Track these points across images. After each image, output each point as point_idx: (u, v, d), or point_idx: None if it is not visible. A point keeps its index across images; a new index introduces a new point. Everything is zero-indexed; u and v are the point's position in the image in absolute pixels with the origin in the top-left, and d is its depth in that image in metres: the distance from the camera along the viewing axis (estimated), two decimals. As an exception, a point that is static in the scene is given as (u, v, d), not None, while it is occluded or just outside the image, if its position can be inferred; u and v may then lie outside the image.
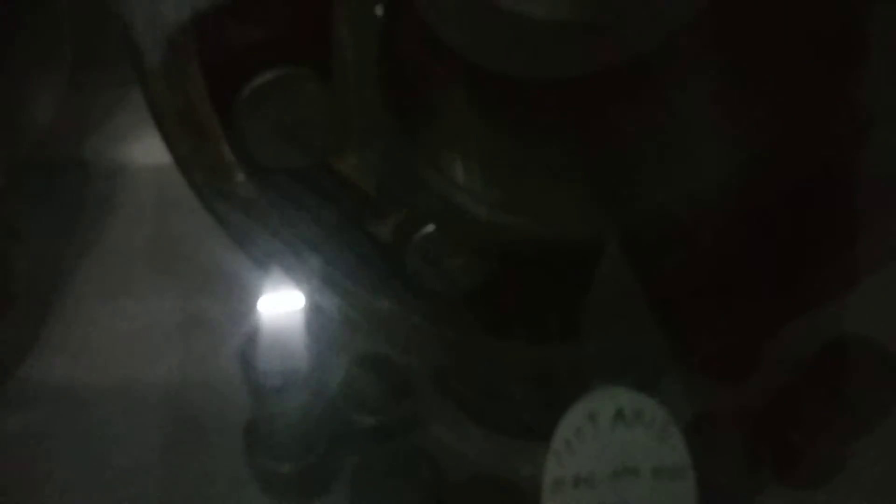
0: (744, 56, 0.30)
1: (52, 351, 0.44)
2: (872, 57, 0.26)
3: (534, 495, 0.30)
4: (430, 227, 0.30)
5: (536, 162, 0.31)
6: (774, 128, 0.29)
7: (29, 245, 0.47)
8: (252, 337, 0.41)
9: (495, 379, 0.37)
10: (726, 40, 0.30)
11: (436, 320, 0.32)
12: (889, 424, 0.39)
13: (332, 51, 0.24)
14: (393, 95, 0.26)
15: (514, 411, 0.39)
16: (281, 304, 0.41)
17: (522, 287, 0.32)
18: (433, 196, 0.29)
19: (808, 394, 0.39)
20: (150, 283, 0.48)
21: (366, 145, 0.27)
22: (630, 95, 0.31)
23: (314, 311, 0.35)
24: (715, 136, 0.31)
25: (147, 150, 0.52)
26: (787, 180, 0.31)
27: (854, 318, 0.40)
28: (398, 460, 0.36)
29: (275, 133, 0.25)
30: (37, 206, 0.51)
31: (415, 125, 0.28)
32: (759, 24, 0.30)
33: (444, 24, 0.31)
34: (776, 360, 0.40)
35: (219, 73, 0.25)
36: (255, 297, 0.43)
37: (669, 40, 0.32)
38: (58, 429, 0.40)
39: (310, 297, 0.33)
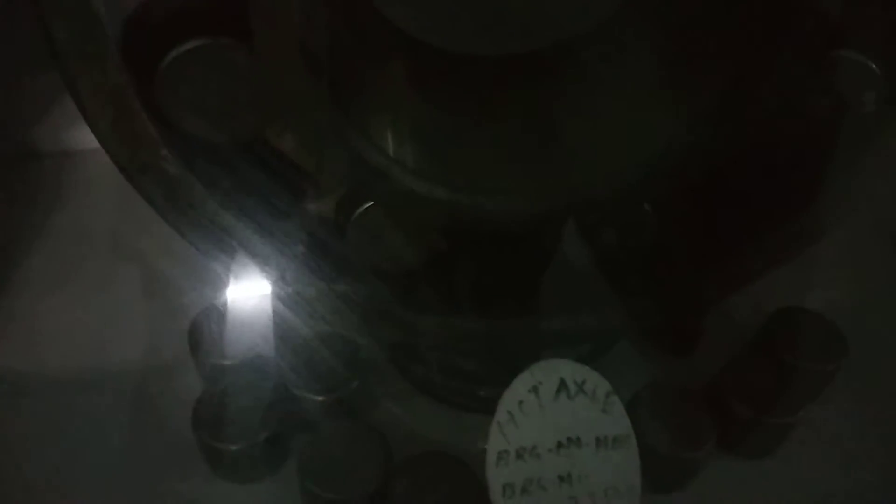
0: (672, 37, 0.30)
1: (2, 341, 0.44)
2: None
3: (483, 469, 0.31)
4: (369, 204, 0.30)
5: (473, 137, 0.31)
6: (702, 104, 0.29)
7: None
8: (202, 316, 0.41)
9: (446, 354, 0.38)
10: (654, 22, 0.30)
11: (385, 298, 0.32)
12: (831, 393, 0.40)
13: (254, 21, 0.24)
14: (323, 69, 0.25)
15: (468, 386, 0.39)
16: (232, 286, 0.41)
17: (467, 264, 0.32)
18: (371, 172, 0.29)
19: (752, 365, 0.39)
20: (104, 268, 0.48)
21: (298, 122, 0.26)
22: (562, 73, 0.31)
23: (265, 292, 0.34)
24: (647, 113, 0.31)
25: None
26: (720, 159, 0.31)
27: (794, 290, 0.41)
28: (348, 438, 0.36)
29: (197, 105, 0.25)
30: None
31: (349, 100, 0.28)
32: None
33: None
34: (721, 333, 0.41)
35: (138, 45, 0.24)
36: (209, 279, 0.43)
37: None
38: (10, 417, 0.40)
39: (259, 278, 0.32)
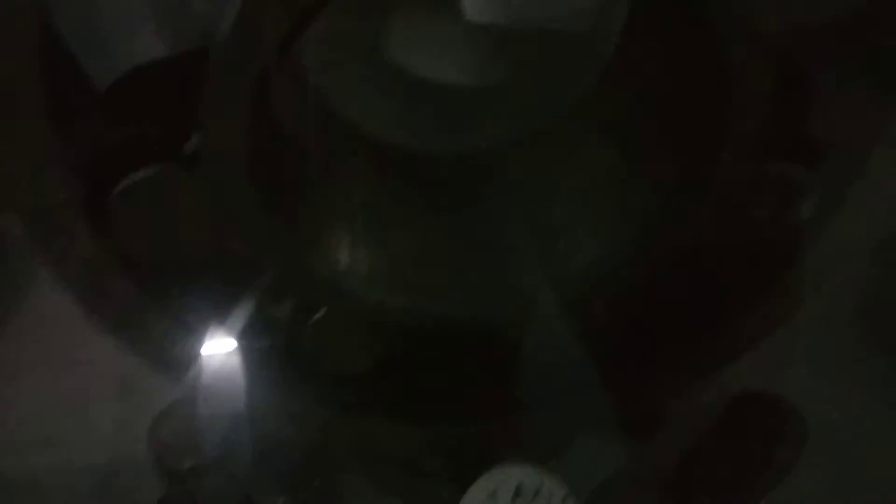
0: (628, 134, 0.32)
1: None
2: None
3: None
4: (322, 312, 0.30)
5: (419, 245, 0.32)
6: (652, 208, 0.30)
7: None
8: (163, 415, 0.41)
9: (404, 457, 0.37)
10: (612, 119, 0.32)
11: (340, 404, 0.32)
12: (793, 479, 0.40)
13: (201, 148, 0.24)
14: (268, 188, 0.26)
15: (433, 486, 0.39)
16: (188, 391, 0.41)
17: (419, 367, 0.32)
18: (322, 282, 0.29)
19: (714, 453, 0.39)
20: (69, 360, 0.47)
21: (248, 238, 0.27)
22: (511, 172, 0.32)
23: (222, 397, 0.34)
24: (599, 213, 0.32)
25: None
26: (677, 254, 0.31)
27: (755, 373, 0.41)
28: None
29: (148, 230, 0.25)
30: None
31: (294, 216, 0.28)
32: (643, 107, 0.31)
33: (342, 95, 0.32)
34: (683, 420, 0.41)
35: (88, 174, 0.24)
36: (174, 376, 0.43)
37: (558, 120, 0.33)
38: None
39: (217, 384, 0.32)
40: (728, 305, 0.33)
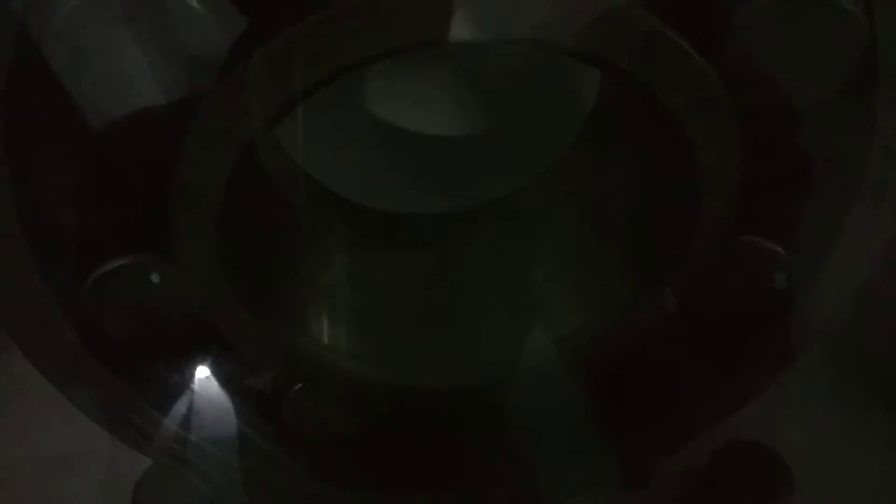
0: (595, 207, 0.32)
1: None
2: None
3: None
4: (299, 385, 0.30)
5: (397, 315, 0.32)
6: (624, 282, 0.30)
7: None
8: (144, 480, 0.40)
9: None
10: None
11: (317, 475, 0.32)
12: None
13: (173, 237, 0.24)
14: (240, 273, 0.26)
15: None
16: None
17: (402, 434, 0.32)
18: (302, 356, 0.29)
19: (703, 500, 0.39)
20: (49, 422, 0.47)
21: (221, 320, 0.27)
22: (488, 236, 0.32)
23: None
24: (577, 279, 0.32)
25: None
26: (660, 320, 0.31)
27: (741, 424, 0.41)
28: None
29: (124, 315, 0.25)
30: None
31: (272, 293, 0.28)
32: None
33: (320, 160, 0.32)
34: (672, 472, 0.41)
35: (62, 263, 0.24)
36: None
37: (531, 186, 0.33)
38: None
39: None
40: (717, 367, 0.33)
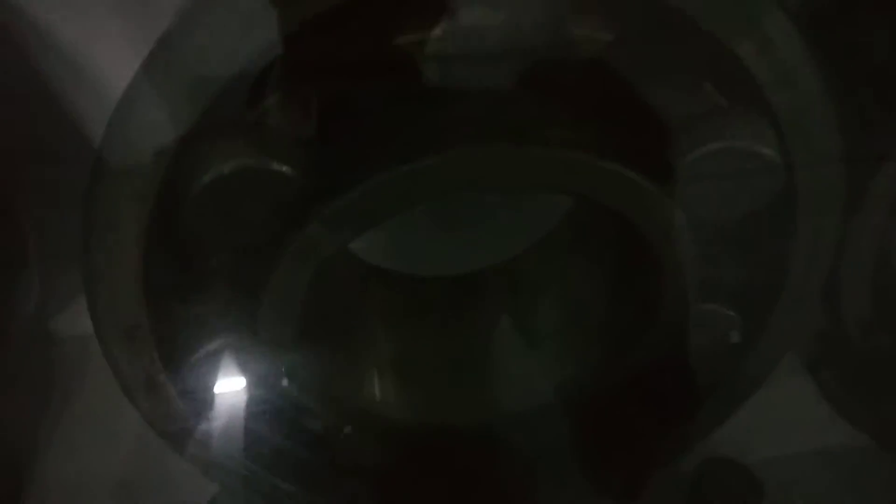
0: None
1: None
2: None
3: None
4: (349, 429, 0.37)
5: (429, 367, 0.39)
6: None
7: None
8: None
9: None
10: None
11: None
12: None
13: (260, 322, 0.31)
14: (313, 350, 0.33)
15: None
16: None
17: (430, 466, 0.39)
18: (351, 405, 0.36)
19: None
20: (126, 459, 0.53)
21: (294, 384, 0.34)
22: (500, 294, 0.40)
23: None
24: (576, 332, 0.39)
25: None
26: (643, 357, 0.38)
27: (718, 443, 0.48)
28: None
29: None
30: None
31: (332, 356, 0.36)
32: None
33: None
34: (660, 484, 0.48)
35: (171, 349, 0.32)
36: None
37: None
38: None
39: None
40: (693, 396, 0.40)
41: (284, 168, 0.26)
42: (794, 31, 0.27)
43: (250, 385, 0.33)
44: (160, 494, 0.49)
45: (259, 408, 0.35)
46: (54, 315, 0.59)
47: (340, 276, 0.40)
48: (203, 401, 0.33)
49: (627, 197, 0.28)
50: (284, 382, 0.34)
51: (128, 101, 0.27)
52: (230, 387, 0.33)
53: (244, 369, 0.33)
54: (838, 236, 0.34)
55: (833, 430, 0.54)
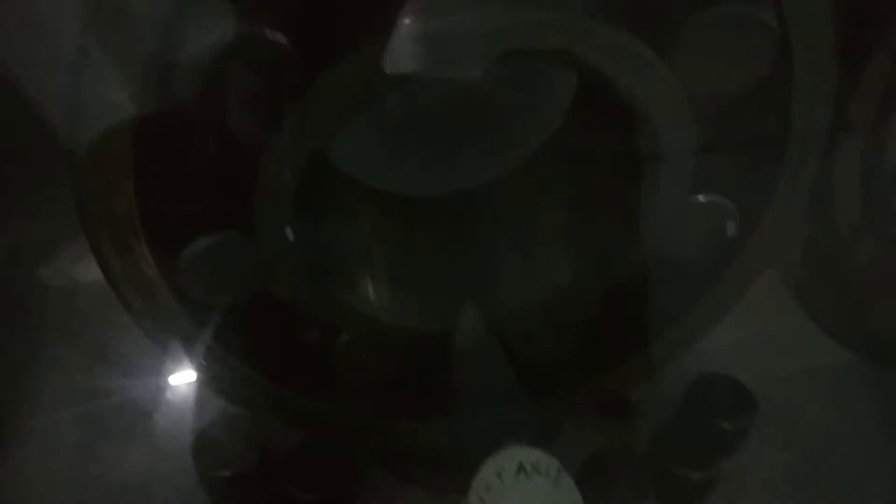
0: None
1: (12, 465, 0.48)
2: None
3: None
4: (346, 337, 0.37)
5: (426, 273, 0.38)
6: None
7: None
8: (201, 435, 0.46)
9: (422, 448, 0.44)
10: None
11: (363, 410, 0.39)
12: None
13: (255, 216, 0.30)
14: (308, 244, 0.32)
15: (449, 473, 0.46)
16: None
17: (423, 375, 0.39)
18: (349, 312, 0.36)
19: (679, 428, 0.47)
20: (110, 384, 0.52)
21: (286, 282, 0.33)
22: (486, 214, 0.39)
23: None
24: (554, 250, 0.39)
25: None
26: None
27: (712, 359, 0.48)
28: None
29: (210, 284, 0.32)
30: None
31: (327, 260, 0.35)
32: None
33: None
34: (651, 402, 0.48)
35: (161, 243, 0.31)
36: (199, 399, 0.49)
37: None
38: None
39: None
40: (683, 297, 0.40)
41: (279, 37, 0.26)
42: None
43: (243, 286, 0.32)
44: (145, 444, 0.48)
45: (255, 311, 0.34)
46: (41, 263, 0.59)
47: (332, 192, 0.40)
48: (196, 300, 0.32)
49: (628, 66, 0.28)
50: (279, 286, 0.33)
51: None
52: (223, 288, 0.32)
53: (237, 270, 0.32)
54: (831, 128, 0.34)
55: (819, 349, 0.55)
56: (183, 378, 0.50)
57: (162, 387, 0.51)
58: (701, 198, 0.34)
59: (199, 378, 0.37)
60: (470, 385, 0.40)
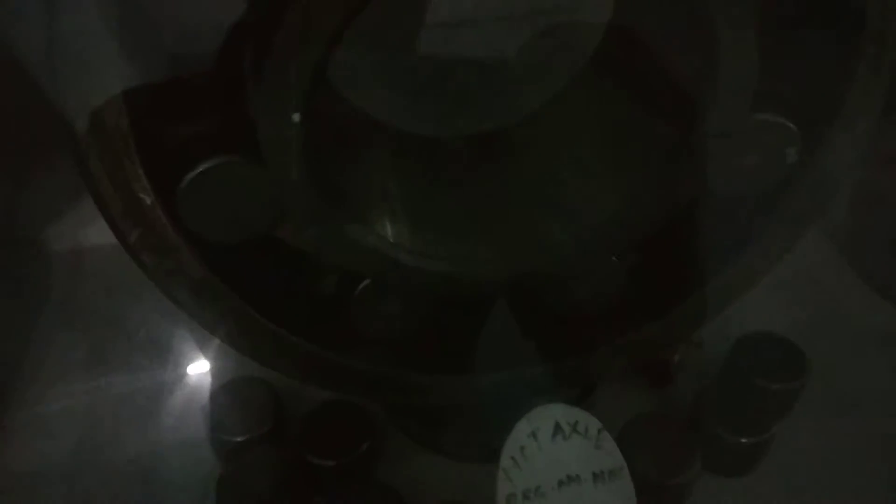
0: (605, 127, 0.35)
1: (14, 427, 0.46)
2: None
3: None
4: (367, 281, 0.33)
5: (449, 215, 0.35)
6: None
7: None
8: (218, 393, 0.44)
9: (442, 411, 0.41)
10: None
11: (378, 363, 0.35)
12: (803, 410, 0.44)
13: (261, 140, 0.27)
14: (321, 173, 0.29)
15: (475, 438, 0.43)
16: (236, 367, 0.44)
17: (448, 326, 0.36)
18: (367, 252, 0.32)
19: (724, 389, 0.43)
20: (119, 355, 0.50)
21: (300, 218, 0.30)
22: (518, 156, 0.36)
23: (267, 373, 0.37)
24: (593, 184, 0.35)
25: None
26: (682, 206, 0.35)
27: (755, 316, 0.44)
28: (361, 498, 0.39)
29: (214, 214, 0.28)
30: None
31: (343, 194, 0.32)
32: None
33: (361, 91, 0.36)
34: (694, 364, 0.45)
35: (159, 167, 0.27)
36: (212, 365, 0.47)
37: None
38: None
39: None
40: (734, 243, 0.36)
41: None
42: None
43: (249, 220, 0.29)
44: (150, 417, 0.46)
45: (265, 255, 0.31)
46: (45, 227, 0.57)
47: (345, 124, 0.36)
48: (195, 230, 0.29)
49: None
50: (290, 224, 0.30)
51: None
52: (227, 221, 0.29)
53: (242, 200, 0.29)
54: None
55: (874, 313, 0.51)
56: (194, 350, 0.48)
57: (171, 359, 0.49)
58: (760, 117, 0.30)
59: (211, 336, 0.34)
60: (497, 339, 0.37)
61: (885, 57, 0.29)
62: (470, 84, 0.42)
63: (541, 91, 0.39)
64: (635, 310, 0.38)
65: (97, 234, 0.53)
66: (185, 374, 0.48)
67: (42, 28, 0.24)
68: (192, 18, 0.27)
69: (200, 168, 0.28)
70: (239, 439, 0.42)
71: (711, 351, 0.45)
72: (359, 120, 0.37)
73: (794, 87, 0.31)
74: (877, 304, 0.52)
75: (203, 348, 0.47)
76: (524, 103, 0.39)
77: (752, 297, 0.38)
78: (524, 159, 0.38)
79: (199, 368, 0.47)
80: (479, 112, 0.40)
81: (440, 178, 0.37)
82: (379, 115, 0.38)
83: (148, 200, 0.27)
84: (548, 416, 0.34)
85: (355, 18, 0.25)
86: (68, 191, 0.54)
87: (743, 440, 0.41)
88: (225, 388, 0.44)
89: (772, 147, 0.31)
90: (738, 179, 0.32)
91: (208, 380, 0.46)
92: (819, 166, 0.33)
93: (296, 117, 0.26)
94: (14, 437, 0.45)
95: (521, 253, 0.35)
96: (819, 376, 0.43)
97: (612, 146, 0.36)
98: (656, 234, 0.34)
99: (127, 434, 0.46)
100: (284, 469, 0.40)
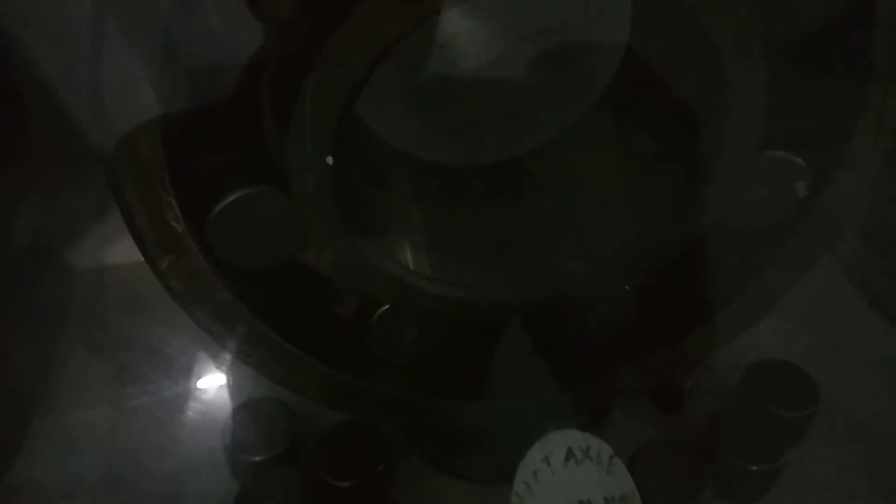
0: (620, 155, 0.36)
1: (38, 446, 0.47)
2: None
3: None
4: (386, 306, 0.34)
5: (467, 242, 0.36)
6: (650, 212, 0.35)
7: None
8: (236, 413, 0.45)
9: (456, 434, 0.41)
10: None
11: (396, 387, 0.36)
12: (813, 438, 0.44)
13: (290, 171, 0.28)
14: (345, 202, 0.30)
15: (489, 461, 0.43)
16: (253, 388, 0.45)
17: (464, 350, 0.37)
18: (387, 278, 0.33)
19: (735, 417, 0.43)
20: (141, 373, 0.51)
21: (323, 244, 0.31)
22: (534, 184, 0.37)
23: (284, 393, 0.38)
24: (608, 214, 0.36)
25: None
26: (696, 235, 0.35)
27: (766, 343, 0.45)
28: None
29: (242, 243, 0.29)
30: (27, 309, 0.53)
31: (366, 223, 0.33)
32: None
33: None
34: (706, 390, 0.45)
35: (190, 196, 0.29)
36: (231, 385, 0.47)
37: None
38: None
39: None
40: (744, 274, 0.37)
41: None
42: None
43: (276, 248, 0.30)
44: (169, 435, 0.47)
45: (289, 279, 0.32)
46: (68, 246, 0.58)
47: (367, 155, 0.37)
48: (223, 258, 0.30)
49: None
50: (315, 251, 0.31)
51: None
52: (255, 249, 0.30)
53: (270, 229, 0.30)
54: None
55: (882, 341, 0.52)
56: (213, 369, 0.49)
57: (190, 378, 0.50)
58: (770, 154, 0.31)
59: (230, 357, 0.35)
60: (511, 364, 0.37)
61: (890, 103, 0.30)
62: (482, 108, 0.43)
63: (556, 122, 0.40)
64: (648, 337, 0.38)
65: (121, 252, 0.55)
66: (204, 393, 0.49)
67: (85, 66, 0.26)
68: (216, 53, 0.28)
69: (230, 198, 0.29)
70: (257, 459, 0.42)
71: (722, 378, 0.45)
72: (380, 149, 0.38)
73: (803, 124, 0.31)
74: (888, 332, 0.52)
75: (222, 368, 0.48)
76: (540, 132, 0.40)
77: (762, 325, 0.39)
78: (540, 188, 0.39)
79: (218, 388, 0.48)
80: (495, 141, 0.41)
81: (459, 207, 0.38)
82: (398, 144, 0.39)
83: (179, 229, 0.29)
84: (560, 441, 0.35)
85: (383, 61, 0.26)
86: (94, 208, 0.56)
87: (754, 467, 0.42)
88: (243, 408, 0.44)
89: (782, 181, 0.32)
90: (750, 212, 0.33)
91: (227, 399, 0.46)
92: (829, 199, 0.34)
93: (329, 160, 0.27)
94: (37, 455, 0.46)
95: (536, 280, 0.35)
96: (830, 404, 0.44)
97: (626, 176, 0.37)
98: (670, 263, 0.35)
99: (146, 452, 0.47)
100: (301, 489, 0.41)
